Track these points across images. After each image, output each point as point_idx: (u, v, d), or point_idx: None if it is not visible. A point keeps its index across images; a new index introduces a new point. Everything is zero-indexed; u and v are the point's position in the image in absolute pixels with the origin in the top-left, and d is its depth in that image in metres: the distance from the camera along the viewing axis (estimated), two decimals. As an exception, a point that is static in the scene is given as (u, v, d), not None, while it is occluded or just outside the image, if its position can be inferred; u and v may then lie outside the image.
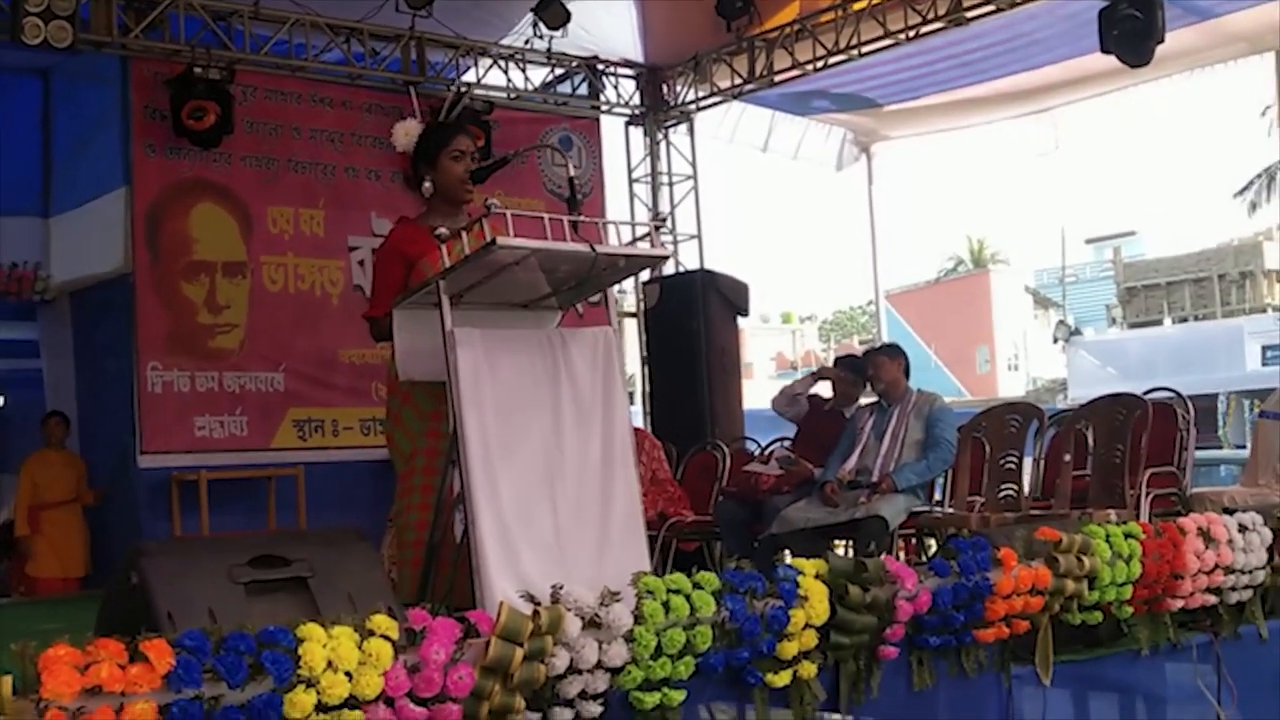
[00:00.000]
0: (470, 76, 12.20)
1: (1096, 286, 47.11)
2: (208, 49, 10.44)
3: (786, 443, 8.38)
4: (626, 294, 13.17)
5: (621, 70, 13.25)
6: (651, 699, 4.20)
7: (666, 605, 4.24)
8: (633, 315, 13.14)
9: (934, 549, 7.73)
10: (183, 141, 10.34)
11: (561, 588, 4.08)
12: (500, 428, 4.52)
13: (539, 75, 12.77)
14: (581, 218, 4.48)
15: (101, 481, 10.45)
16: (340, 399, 10.95)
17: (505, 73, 12.39)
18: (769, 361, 49.39)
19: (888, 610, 4.77)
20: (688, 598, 4.29)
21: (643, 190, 13.59)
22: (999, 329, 47.42)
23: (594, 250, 4.47)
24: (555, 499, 4.61)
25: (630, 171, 13.60)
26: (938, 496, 7.71)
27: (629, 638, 4.13)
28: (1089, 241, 54.02)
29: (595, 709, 4.11)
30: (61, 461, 10.45)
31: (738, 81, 12.83)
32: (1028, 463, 7.65)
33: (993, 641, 5.17)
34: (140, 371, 10.08)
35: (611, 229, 4.80)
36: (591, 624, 4.09)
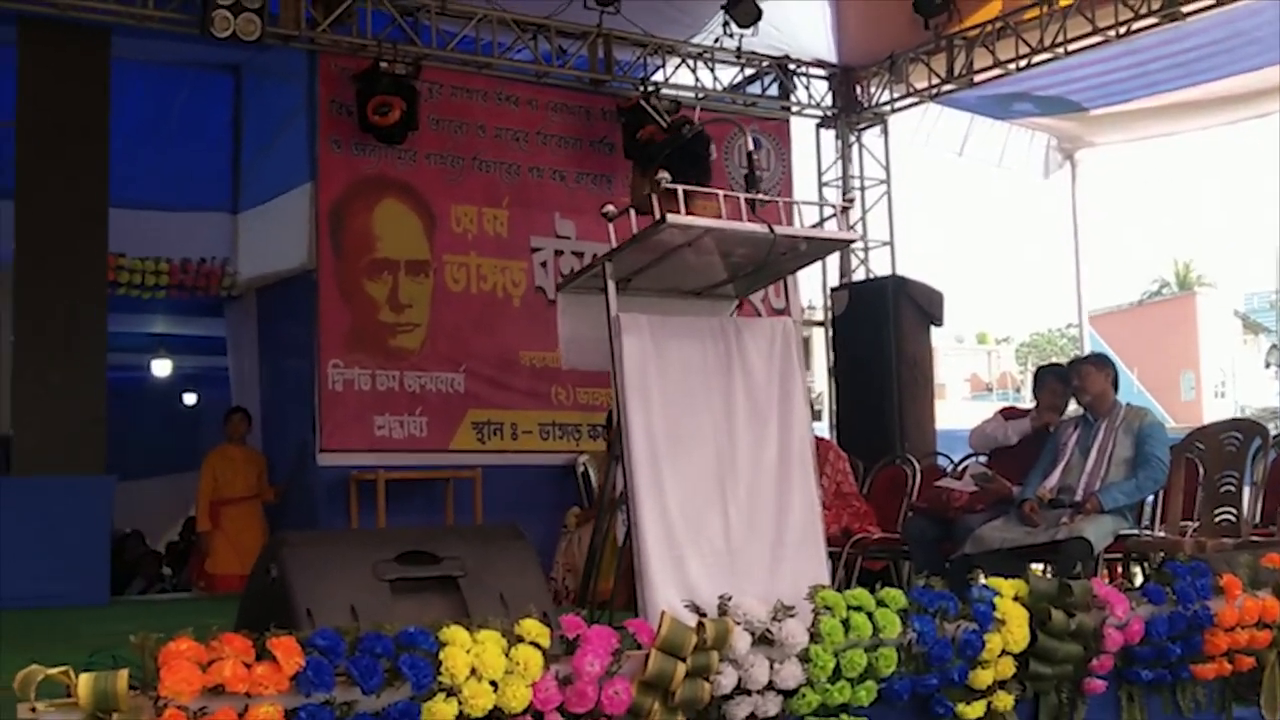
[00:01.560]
0: (658, 76, 11.89)
1: (1311, 310, 45.04)
2: (394, 44, 10.35)
3: (983, 458, 7.84)
4: (814, 307, 12.71)
5: (813, 70, 12.84)
6: (827, 724, 3.81)
7: (846, 623, 3.84)
8: (820, 324, 12.68)
9: (1142, 576, 7.12)
10: (368, 138, 10.26)
11: (730, 599, 3.71)
12: (668, 422, 4.17)
13: (728, 75, 12.42)
14: (761, 196, 4.10)
15: (282, 478, 10.42)
16: (520, 401, 10.76)
17: (694, 72, 12.09)
18: (963, 383, 48.18)
19: (1095, 639, 4.28)
20: (870, 616, 3.88)
21: (833, 194, 13.12)
22: (1205, 354, 45.63)
23: (772, 231, 4.10)
24: (726, 502, 4.24)
25: (820, 175, 13.15)
26: (1146, 520, 7.10)
27: (804, 657, 3.75)
28: (1303, 263, 51.59)
29: (767, 732, 3.74)
30: (243, 457, 10.43)
31: (935, 82, 12.30)
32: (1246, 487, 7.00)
33: (1213, 678, 4.65)
34: (321, 369, 10.00)
35: (796, 213, 4.42)
36: (763, 640, 3.72)
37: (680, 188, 4.01)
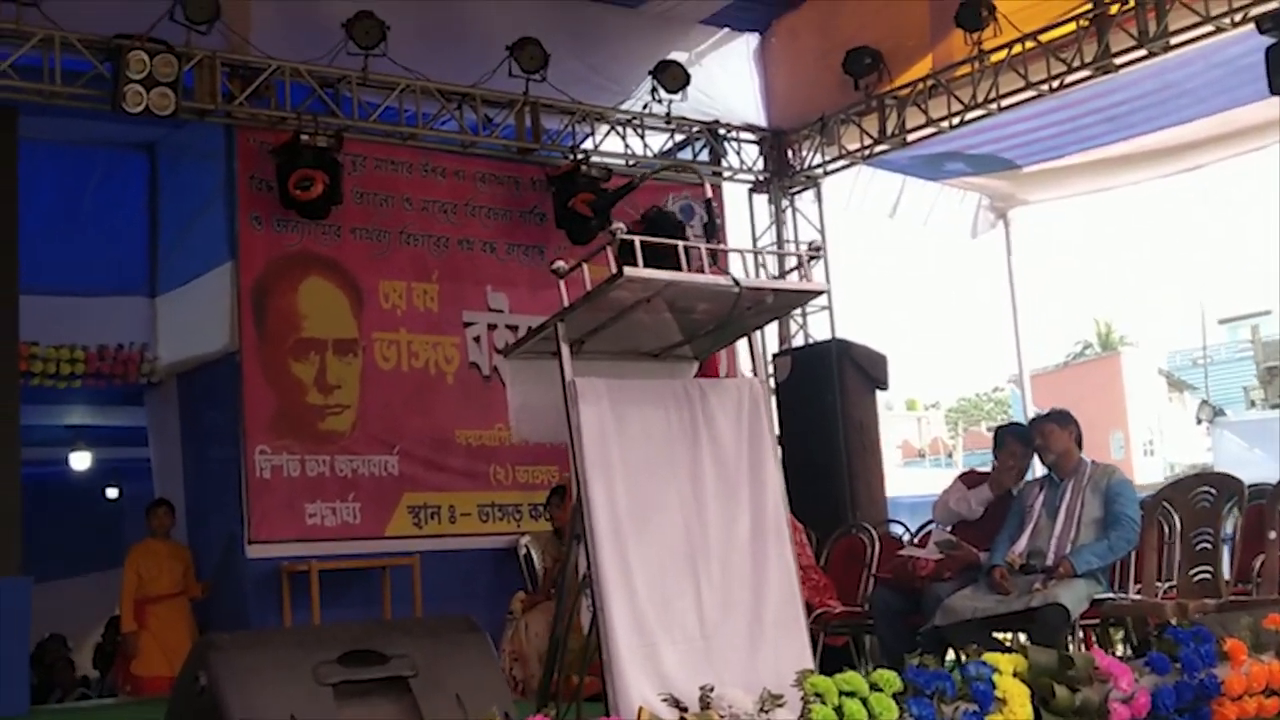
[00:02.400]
0: (588, 144, 11.62)
1: (1232, 368, 45.62)
2: (315, 116, 10.00)
3: (946, 526, 7.54)
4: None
5: (744, 135, 12.61)
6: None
7: (840, 711, 3.47)
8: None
9: (1122, 642, 6.82)
10: (290, 213, 9.87)
11: (712, 690, 3.34)
12: (632, 496, 3.82)
13: (658, 141, 12.17)
14: (723, 246, 3.79)
15: (210, 573, 9.91)
16: (457, 483, 10.33)
17: (624, 139, 11.81)
18: (894, 449, 48.13)
19: (1100, 714, 3.95)
20: (864, 702, 3.53)
21: (768, 260, 12.85)
22: (1133, 413, 46.04)
23: (737, 284, 3.78)
24: (699, 582, 3.89)
25: (755, 240, 12.88)
26: (1119, 582, 6.81)
27: (797, 751, 3.37)
28: (1222, 321, 52.38)
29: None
30: (168, 552, 9.91)
31: (867, 143, 12.09)
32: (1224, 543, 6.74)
33: (1223, 749, 4.32)
34: (248, 455, 9.53)
35: (758, 266, 4.10)
36: (749, 734, 3.34)
37: (636, 238, 3.69)
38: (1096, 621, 6.87)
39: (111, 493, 14.51)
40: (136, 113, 8.99)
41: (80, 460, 13.85)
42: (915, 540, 7.86)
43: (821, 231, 12.89)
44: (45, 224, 10.28)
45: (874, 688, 3.59)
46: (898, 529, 9.02)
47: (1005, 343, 14.94)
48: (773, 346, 12.33)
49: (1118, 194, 13.54)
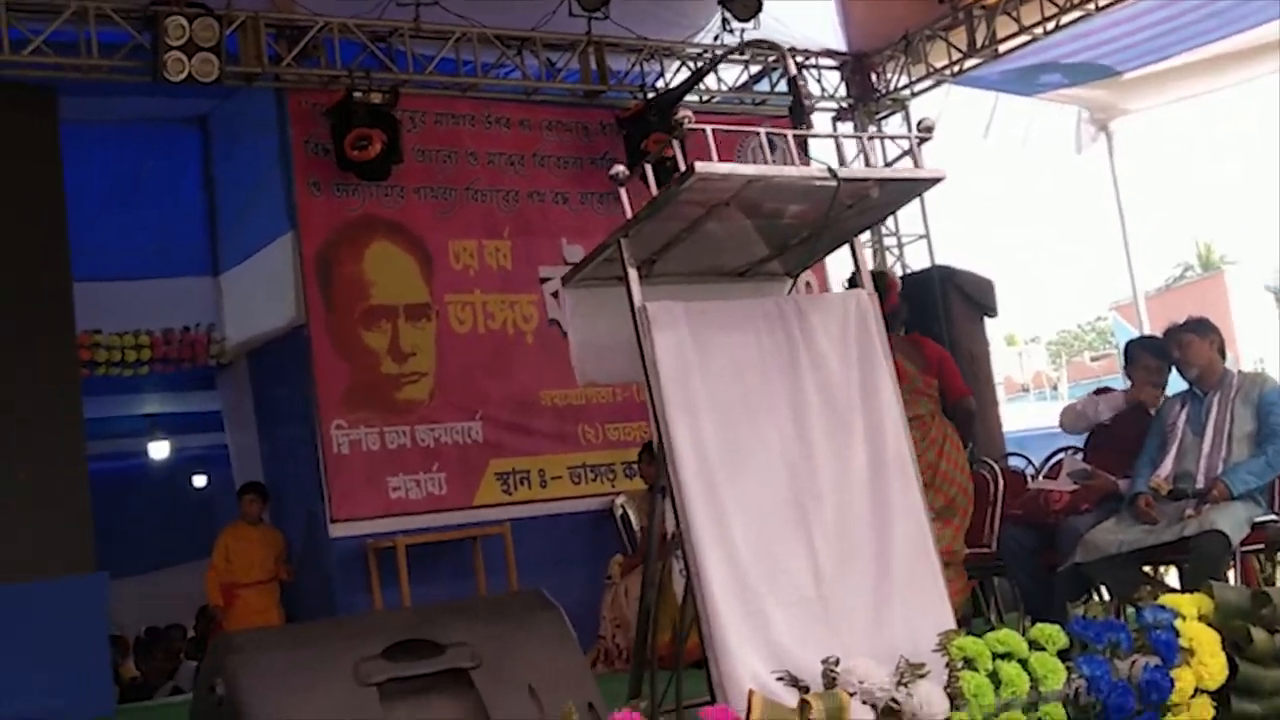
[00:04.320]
0: (658, 83, 10.98)
1: (1347, 281, 44.01)
2: (368, 72, 9.48)
3: (1076, 452, 6.86)
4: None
5: (824, 61, 11.89)
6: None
7: (994, 677, 2.85)
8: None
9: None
10: (349, 177, 9.37)
11: (837, 661, 2.74)
12: (723, 437, 3.22)
13: (733, 75, 11.50)
14: (815, 131, 3.16)
15: (294, 557, 9.49)
16: (545, 446, 9.81)
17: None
18: (997, 386, 47.02)
19: (1305, 657, 3.29)
20: (1024, 664, 2.90)
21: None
22: (1240, 332, 44.62)
23: (834, 176, 3.15)
24: (811, 531, 3.28)
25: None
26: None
27: (944, 729, 2.76)
28: (1341, 230, 50.57)
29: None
30: (258, 538, 9.50)
31: (956, 58, 11.35)
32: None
33: None
34: (324, 431, 9.07)
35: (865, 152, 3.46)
36: (888, 714, 2.73)
37: (708, 127, 3.08)
38: (1260, 548, 6.15)
39: (199, 481, 14.18)
40: (178, 81, 8.52)
41: (159, 449, 13.50)
42: (1044, 473, 7.18)
43: (913, 155, 12.13)
44: (100, 209, 9.87)
45: (1034, 646, 2.98)
46: (1018, 462, 8.34)
47: (1105, 269, 14.11)
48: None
49: (1219, 98, 12.63)
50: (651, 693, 3.12)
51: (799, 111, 3.42)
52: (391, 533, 8.94)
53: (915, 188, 3.51)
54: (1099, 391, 6.95)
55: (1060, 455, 7.06)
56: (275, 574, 9.38)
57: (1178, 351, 6.27)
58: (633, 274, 3.20)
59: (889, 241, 11.90)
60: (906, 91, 11.95)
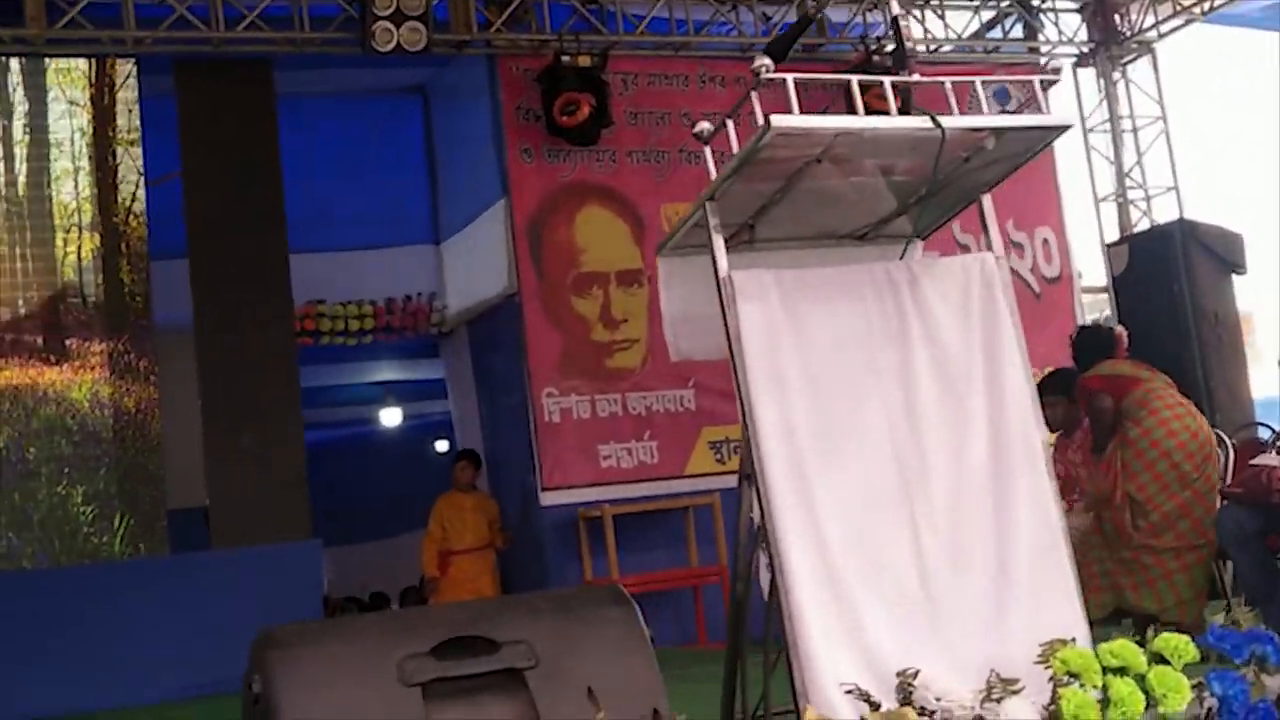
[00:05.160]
0: (881, 32, 10.53)
1: None
2: (577, 35, 9.36)
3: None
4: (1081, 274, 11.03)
5: (1061, 3, 11.20)
6: None
7: (1105, 697, 2.49)
8: (1102, 290, 11.00)
9: None
10: (560, 142, 9.30)
11: (915, 674, 2.43)
12: (817, 417, 2.93)
13: (961, 21, 10.95)
14: (912, 78, 2.83)
15: (512, 522, 9.50)
16: (759, 414, 9.53)
17: (922, 22, 10.65)
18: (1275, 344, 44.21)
19: None
20: (1141, 680, 2.53)
21: (1101, 141, 11.43)
22: None
23: (937, 125, 2.81)
24: (917, 525, 2.96)
25: (1084, 122, 11.46)
26: None
27: (1039, 756, 2.43)
28: None
29: None
30: (472, 505, 9.53)
31: (1208, -9, 10.51)
32: None
33: None
34: (535, 400, 9.05)
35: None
36: (971, 732, 2.42)
37: (789, 76, 2.79)
38: None
39: (441, 446, 14.43)
40: (387, 51, 8.61)
41: (391, 416, 13.75)
42: (1277, 445, 6.54)
43: (1161, 104, 11.36)
44: (323, 181, 10.06)
45: (1158, 659, 2.61)
46: (1267, 433, 7.63)
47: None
48: (1111, 236, 10.97)
49: None
50: (741, 696, 2.87)
51: (900, 57, 3.08)
52: (601, 501, 8.87)
53: (1040, 137, 3.11)
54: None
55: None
56: (490, 541, 9.39)
57: None
58: (718, 240, 2.93)
59: (1134, 195, 11.17)
60: (1154, 32, 11.16)
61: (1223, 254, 9.48)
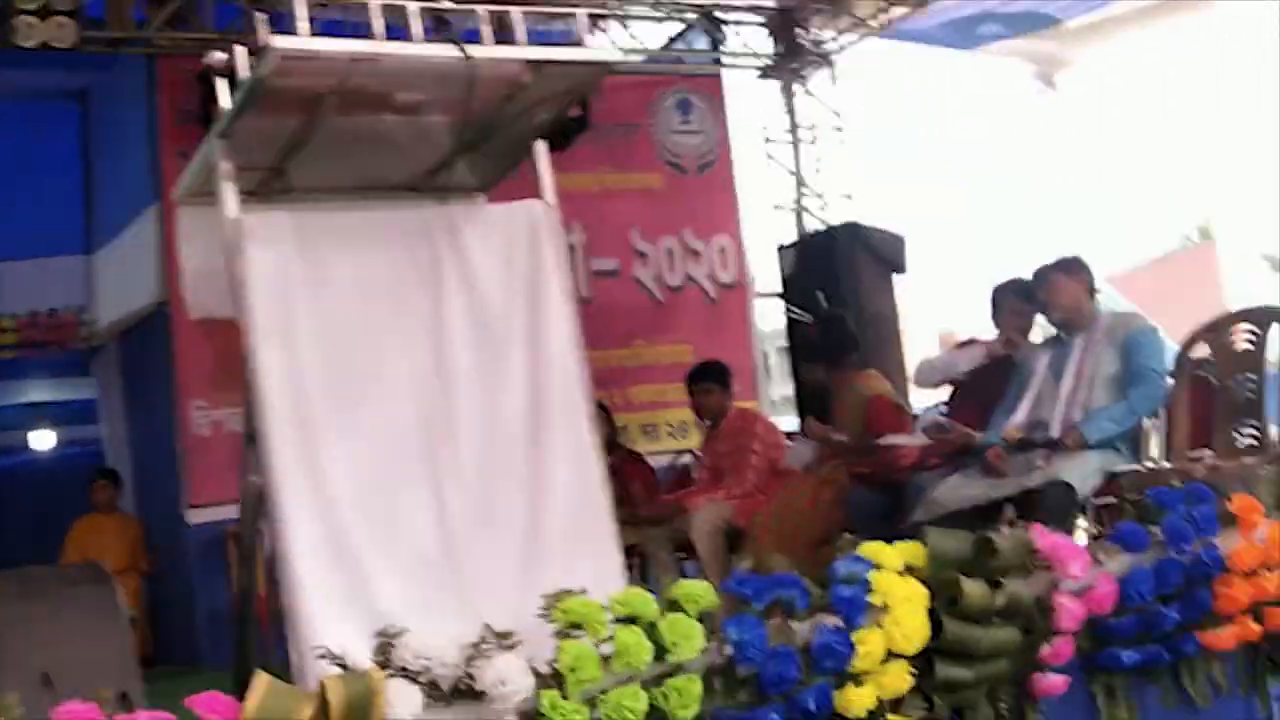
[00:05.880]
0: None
1: (1342, 239, 43.34)
2: (241, 34, 8.93)
3: (941, 409, 6.31)
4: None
5: (746, 16, 11.30)
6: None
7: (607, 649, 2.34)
8: (777, 295, 11.15)
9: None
10: (219, 145, 8.84)
11: (397, 635, 2.23)
12: (331, 370, 2.72)
13: (648, 33, 10.95)
14: (447, 5, 2.64)
15: (160, 543, 8.98)
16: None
17: (605, 32, 10.59)
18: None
19: (1041, 616, 2.77)
20: (652, 629, 2.39)
21: (780, 151, 11.59)
22: (1236, 302, 43.82)
23: (465, 54, 2.63)
24: (441, 483, 2.76)
25: (765, 130, 11.60)
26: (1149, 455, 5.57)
27: (532, 715, 2.25)
28: (1327, 193, 49.87)
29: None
30: (114, 527, 9.00)
31: (884, 6, 10.73)
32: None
33: (1234, 648, 3.10)
34: (184, 413, 8.54)
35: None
36: (461, 694, 2.23)
37: None
38: (1115, 501, 5.59)
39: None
40: (31, 47, 7.98)
41: (42, 440, 12.88)
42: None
43: (837, 114, 11.58)
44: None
45: (673, 606, 2.48)
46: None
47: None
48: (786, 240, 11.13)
49: (1185, 55, 12.03)
50: (248, 673, 2.62)
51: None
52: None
53: (582, 73, 2.96)
54: (963, 344, 6.39)
55: (926, 411, 6.53)
56: (133, 563, 8.87)
57: (1043, 294, 5.71)
58: (227, 183, 2.70)
59: (811, 202, 11.36)
60: (835, 45, 11.37)
61: (886, 256, 9.69)
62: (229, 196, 2.69)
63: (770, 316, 10.95)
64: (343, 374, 2.74)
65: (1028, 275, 5.78)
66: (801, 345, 6.75)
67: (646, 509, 6.79)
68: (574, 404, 2.92)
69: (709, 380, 6.88)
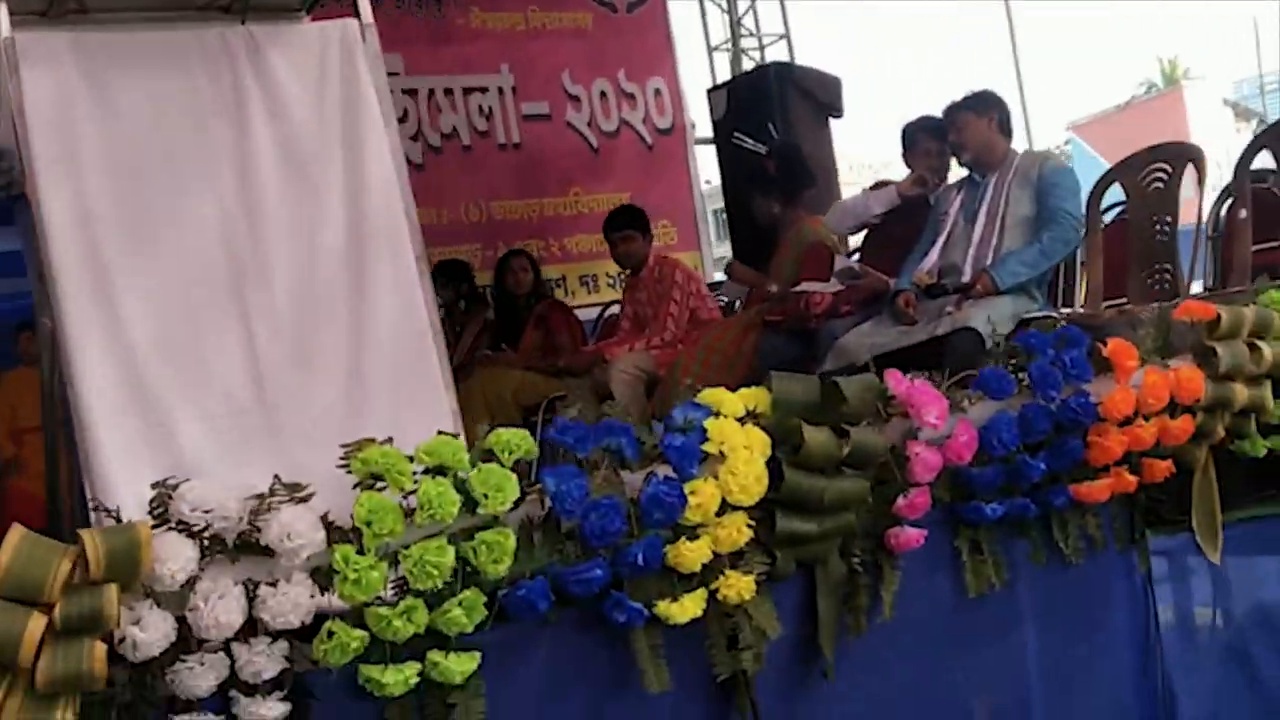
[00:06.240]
0: None
1: (1301, 85, 43.06)
2: None
3: (854, 258, 6.11)
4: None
5: None
6: (397, 677, 2.17)
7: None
8: (710, 141, 10.87)
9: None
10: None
11: (176, 485, 2.05)
12: (123, 204, 2.50)
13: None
14: None
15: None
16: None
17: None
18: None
19: (897, 466, 2.62)
20: (462, 483, 2.22)
21: (717, -10, 11.22)
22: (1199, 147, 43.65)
23: None
24: (252, 324, 2.57)
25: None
26: (1065, 300, 5.43)
27: (325, 572, 2.09)
28: (1288, 40, 49.45)
29: (272, 710, 2.10)
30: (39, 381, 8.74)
31: None
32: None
33: (1108, 500, 2.97)
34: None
35: None
36: (244, 547, 2.06)
37: None
38: (1025, 348, 5.45)
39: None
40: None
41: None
42: (824, 276, 6.42)
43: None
44: None
45: (488, 456, 2.31)
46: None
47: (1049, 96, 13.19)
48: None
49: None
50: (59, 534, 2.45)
51: None
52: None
53: None
54: (875, 186, 6.17)
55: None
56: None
57: (953, 134, 5.48)
58: None
59: (748, 43, 11.04)
60: None
61: (821, 97, 9.39)
62: (0, 14, 2.44)
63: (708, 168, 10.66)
64: (137, 209, 2.53)
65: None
66: (757, 177, 6.46)
67: (567, 359, 6.65)
68: (397, 234, 2.72)
69: (629, 226, 6.65)
